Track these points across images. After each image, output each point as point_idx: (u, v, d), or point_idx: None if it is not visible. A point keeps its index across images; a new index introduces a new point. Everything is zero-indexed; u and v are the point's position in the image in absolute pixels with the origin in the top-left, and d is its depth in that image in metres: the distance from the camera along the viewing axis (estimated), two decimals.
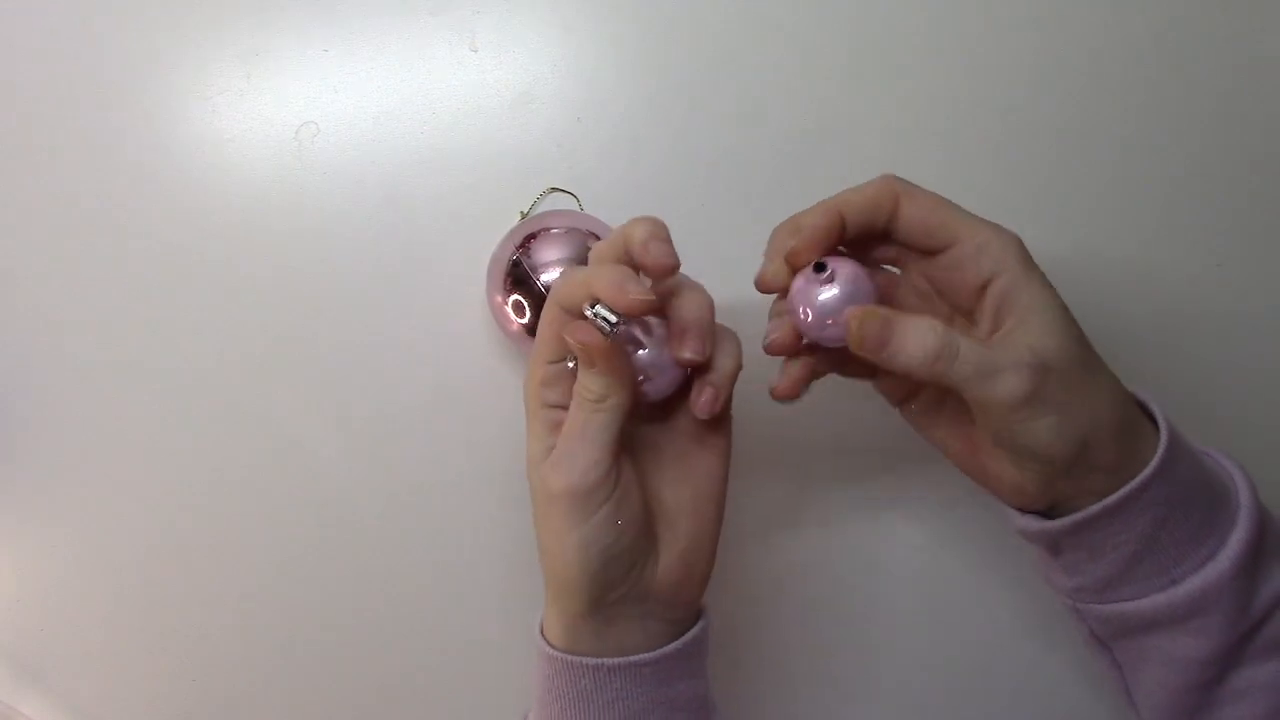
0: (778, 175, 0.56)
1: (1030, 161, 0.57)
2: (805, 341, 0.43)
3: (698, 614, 0.45)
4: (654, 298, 0.39)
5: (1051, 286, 0.41)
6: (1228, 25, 0.58)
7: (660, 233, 0.41)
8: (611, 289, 0.39)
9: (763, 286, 0.44)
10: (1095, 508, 0.41)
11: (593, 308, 0.40)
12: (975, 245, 0.41)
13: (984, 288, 0.42)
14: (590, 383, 0.40)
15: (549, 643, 0.43)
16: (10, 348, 0.56)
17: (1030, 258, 0.42)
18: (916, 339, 0.39)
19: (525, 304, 0.51)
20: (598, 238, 0.52)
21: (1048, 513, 0.43)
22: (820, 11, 0.57)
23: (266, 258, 0.56)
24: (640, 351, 0.42)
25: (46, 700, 0.55)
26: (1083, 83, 0.57)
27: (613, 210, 0.55)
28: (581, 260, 0.51)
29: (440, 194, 0.56)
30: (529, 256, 0.51)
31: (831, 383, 0.46)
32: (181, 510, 0.56)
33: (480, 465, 0.56)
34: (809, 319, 0.41)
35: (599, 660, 0.42)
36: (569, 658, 0.42)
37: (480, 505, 0.56)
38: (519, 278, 0.51)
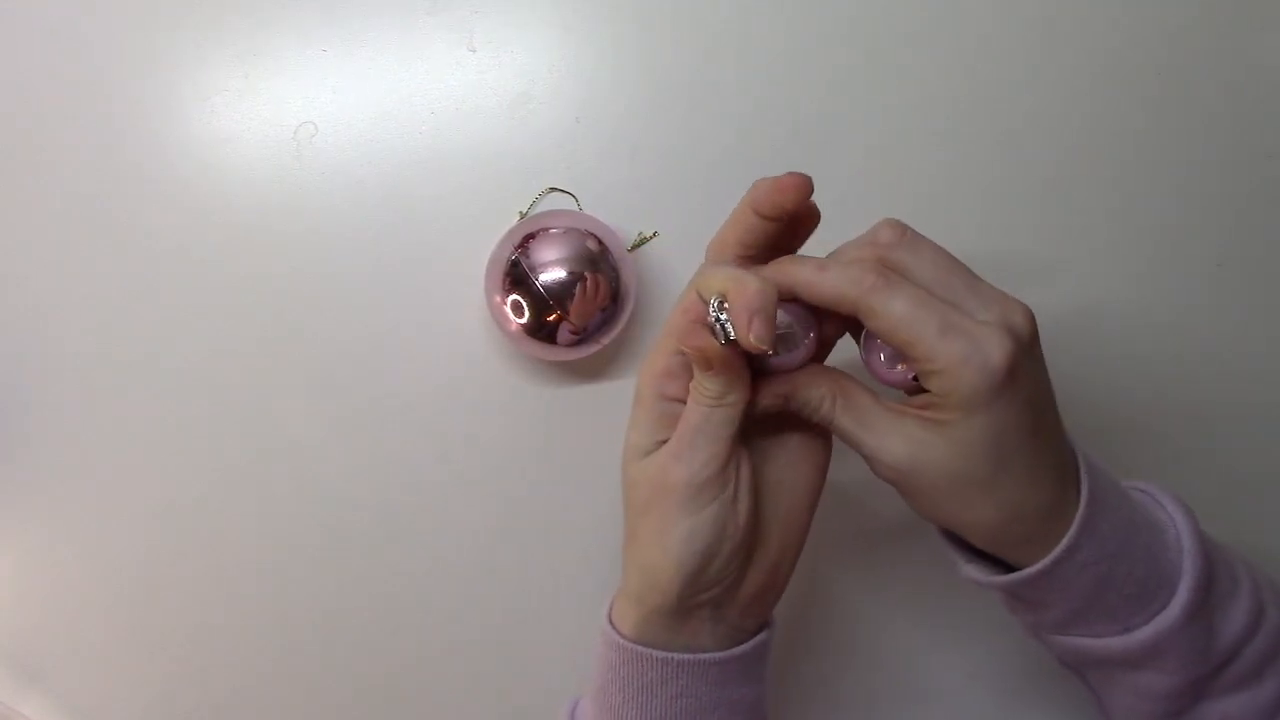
0: (777, 175, 0.56)
1: (1031, 161, 0.57)
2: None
3: (760, 627, 0.45)
4: (773, 335, 0.36)
5: (996, 419, 0.37)
6: (1228, 25, 0.58)
7: (768, 310, 0.37)
8: (741, 311, 0.36)
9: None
10: (1029, 571, 0.40)
11: (719, 313, 0.37)
12: (932, 370, 0.37)
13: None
14: (708, 383, 0.39)
15: (619, 631, 0.43)
16: (10, 348, 0.56)
17: (993, 384, 0.37)
18: (816, 382, 0.40)
19: (524, 304, 0.51)
20: (597, 238, 0.52)
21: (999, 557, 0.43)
22: (820, 11, 0.57)
23: (265, 258, 0.56)
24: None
25: (46, 701, 0.55)
26: (1083, 82, 0.57)
27: (612, 210, 0.55)
28: (581, 261, 0.51)
29: (439, 194, 0.56)
30: (528, 256, 0.51)
31: None
32: (181, 510, 0.56)
33: (480, 464, 0.56)
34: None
35: (668, 654, 0.42)
36: (639, 648, 0.42)
37: (481, 504, 0.56)
38: (518, 278, 0.51)
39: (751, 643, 0.43)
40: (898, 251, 0.39)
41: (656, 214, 0.55)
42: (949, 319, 0.37)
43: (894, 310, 0.37)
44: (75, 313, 0.56)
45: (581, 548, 0.56)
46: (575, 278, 0.51)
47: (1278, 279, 0.58)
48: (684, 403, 0.41)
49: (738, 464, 0.41)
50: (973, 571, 0.43)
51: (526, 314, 0.51)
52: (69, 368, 0.56)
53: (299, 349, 0.56)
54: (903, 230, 0.40)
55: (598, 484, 0.56)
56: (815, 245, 0.43)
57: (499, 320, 0.53)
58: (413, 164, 0.56)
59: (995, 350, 0.37)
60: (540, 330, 0.51)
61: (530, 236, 0.52)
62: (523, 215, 0.55)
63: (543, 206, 0.55)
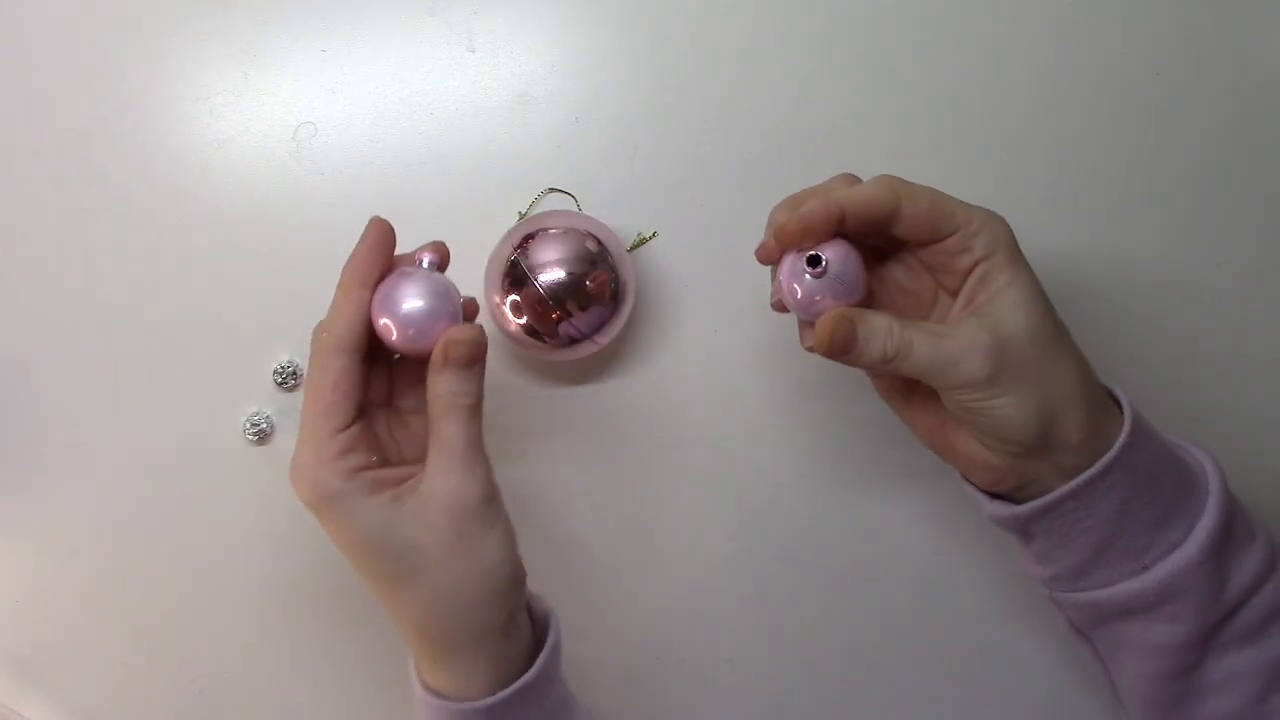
0: (777, 175, 0.56)
1: (1032, 161, 0.57)
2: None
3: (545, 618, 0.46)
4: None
5: (1031, 271, 0.42)
6: (1228, 25, 0.57)
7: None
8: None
9: (760, 258, 0.45)
10: (1060, 491, 0.42)
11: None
12: (971, 232, 0.42)
13: (972, 269, 0.43)
14: (462, 385, 0.41)
15: (442, 694, 0.43)
16: (10, 348, 0.56)
17: (1016, 244, 0.43)
18: (876, 343, 0.41)
19: (523, 304, 0.51)
20: (596, 238, 0.52)
21: (1016, 497, 0.44)
22: (821, 11, 0.57)
23: (265, 258, 0.56)
24: None
25: (47, 701, 0.55)
26: (1084, 83, 0.57)
27: (611, 210, 0.55)
28: (581, 261, 0.51)
29: (438, 194, 0.56)
30: (527, 257, 0.51)
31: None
32: (182, 510, 0.56)
33: None
34: (798, 298, 0.42)
35: (501, 694, 0.42)
36: (476, 705, 0.42)
37: None
38: (517, 278, 0.51)
39: (546, 648, 0.44)
40: (903, 182, 0.43)
41: (656, 214, 0.55)
42: (961, 200, 0.43)
43: (925, 193, 0.42)
44: (76, 313, 0.56)
45: (583, 546, 0.56)
46: (575, 278, 0.51)
47: (1278, 279, 0.58)
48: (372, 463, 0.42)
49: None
50: (999, 508, 0.44)
51: (526, 314, 0.51)
52: (69, 368, 0.56)
53: (298, 349, 0.56)
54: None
55: (599, 483, 0.56)
56: None
57: (498, 320, 0.52)
58: (412, 164, 0.56)
59: (999, 216, 0.43)
60: (540, 330, 0.51)
61: (530, 237, 0.52)
62: (522, 215, 0.55)
63: (542, 207, 0.55)
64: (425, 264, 0.42)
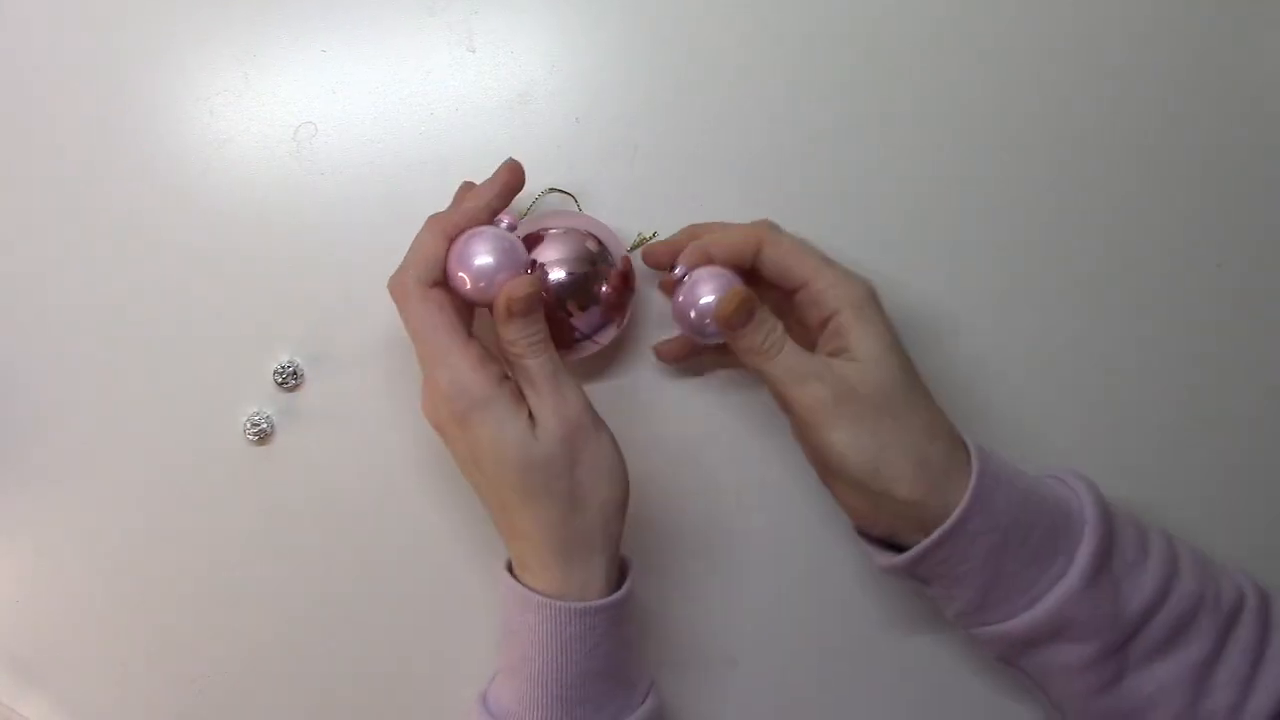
0: (777, 175, 0.56)
1: (1032, 161, 0.57)
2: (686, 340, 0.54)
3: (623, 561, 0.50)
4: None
5: (882, 330, 0.48)
6: (1228, 26, 0.58)
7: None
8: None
9: (661, 285, 0.55)
10: (923, 544, 0.46)
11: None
12: (820, 288, 0.48)
13: (826, 322, 0.48)
14: (529, 327, 0.46)
15: (535, 590, 0.45)
16: (10, 348, 0.56)
17: (873, 302, 0.48)
18: (764, 328, 0.47)
19: None
20: (596, 239, 0.52)
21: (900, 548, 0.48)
22: (821, 11, 0.57)
23: (265, 257, 0.56)
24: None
25: (47, 701, 0.55)
26: (1083, 83, 0.57)
27: (611, 211, 0.55)
28: (581, 261, 0.51)
29: (439, 194, 0.55)
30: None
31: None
32: (182, 511, 0.56)
33: None
34: (692, 316, 0.50)
35: (585, 604, 0.45)
36: (558, 603, 0.45)
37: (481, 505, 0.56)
38: None
39: (628, 582, 0.48)
40: (771, 230, 0.51)
41: (656, 214, 0.55)
42: (824, 256, 0.50)
43: (791, 240, 0.50)
44: (75, 313, 0.56)
45: None
46: (576, 278, 0.51)
47: (1278, 279, 0.58)
48: (509, 378, 0.46)
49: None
50: (885, 559, 0.48)
51: None
52: (69, 368, 0.56)
53: (298, 349, 0.56)
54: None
55: None
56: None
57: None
58: (412, 164, 0.56)
59: (859, 277, 0.49)
60: None
61: (530, 237, 0.52)
62: (522, 216, 0.55)
63: (542, 207, 0.55)
64: (505, 225, 0.48)
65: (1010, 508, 0.45)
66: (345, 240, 0.56)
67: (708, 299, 0.49)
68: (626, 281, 0.53)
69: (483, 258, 0.47)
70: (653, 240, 0.53)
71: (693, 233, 0.52)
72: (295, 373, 0.55)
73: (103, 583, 0.56)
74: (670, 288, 0.52)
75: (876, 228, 0.57)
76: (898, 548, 0.48)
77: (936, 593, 0.49)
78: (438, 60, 0.56)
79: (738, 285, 0.49)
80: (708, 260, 0.50)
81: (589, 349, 0.53)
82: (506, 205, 0.49)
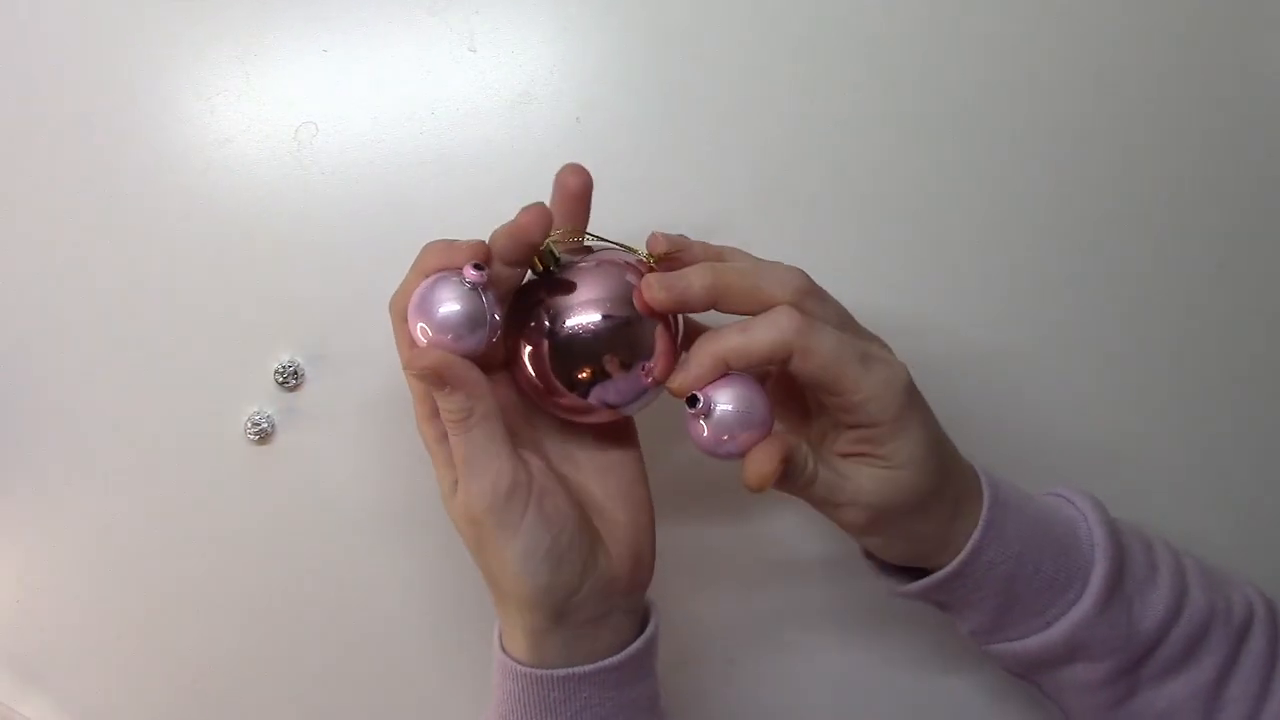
0: (777, 175, 0.56)
1: (1032, 161, 0.57)
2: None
3: (647, 610, 0.46)
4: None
5: (924, 427, 0.42)
6: (1228, 26, 0.58)
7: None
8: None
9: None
10: (937, 575, 0.45)
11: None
12: (858, 400, 0.41)
13: (858, 426, 0.42)
14: (449, 404, 0.40)
15: (514, 658, 0.43)
16: (10, 347, 0.56)
17: (913, 402, 0.42)
18: (793, 473, 0.41)
19: (538, 354, 0.47)
20: (638, 270, 0.49)
21: (921, 569, 0.46)
22: (821, 11, 0.57)
23: (266, 257, 0.56)
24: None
25: (47, 701, 0.55)
26: (1082, 84, 0.57)
27: (611, 211, 0.55)
28: (621, 300, 0.44)
29: (439, 194, 0.56)
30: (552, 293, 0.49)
31: None
32: (182, 511, 0.56)
33: None
34: (703, 437, 0.41)
35: (569, 670, 0.42)
36: (537, 672, 0.42)
37: None
38: (535, 318, 0.48)
39: (641, 639, 0.44)
40: (809, 300, 0.42)
41: (657, 214, 0.55)
42: (865, 350, 0.41)
43: (825, 347, 0.40)
44: (75, 313, 0.56)
45: None
46: (615, 323, 0.43)
47: (1278, 279, 0.58)
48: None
49: (527, 465, 0.42)
50: (898, 587, 0.47)
51: (535, 365, 0.47)
52: (70, 367, 0.56)
53: (298, 349, 0.56)
54: (810, 280, 0.42)
55: None
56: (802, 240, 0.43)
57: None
58: (413, 164, 0.56)
59: (901, 370, 0.42)
60: (556, 388, 0.45)
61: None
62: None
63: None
64: (470, 276, 0.40)
65: (1020, 534, 0.45)
66: (346, 240, 0.56)
67: (725, 407, 0.40)
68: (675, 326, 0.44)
69: (428, 313, 0.40)
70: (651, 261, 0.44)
71: (707, 252, 0.44)
72: (296, 373, 0.55)
73: (103, 583, 0.56)
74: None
75: (877, 227, 0.57)
76: (907, 568, 0.47)
77: (949, 613, 0.48)
78: (438, 60, 0.56)
79: (765, 443, 0.41)
80: (725, 371, 0.41)
81: (603, 416, 0.44)
82: (518, 257, 0.42)
